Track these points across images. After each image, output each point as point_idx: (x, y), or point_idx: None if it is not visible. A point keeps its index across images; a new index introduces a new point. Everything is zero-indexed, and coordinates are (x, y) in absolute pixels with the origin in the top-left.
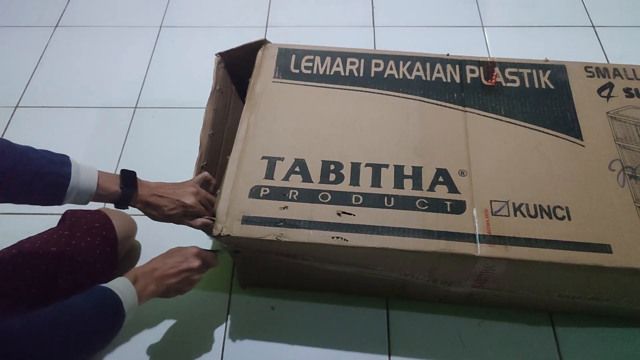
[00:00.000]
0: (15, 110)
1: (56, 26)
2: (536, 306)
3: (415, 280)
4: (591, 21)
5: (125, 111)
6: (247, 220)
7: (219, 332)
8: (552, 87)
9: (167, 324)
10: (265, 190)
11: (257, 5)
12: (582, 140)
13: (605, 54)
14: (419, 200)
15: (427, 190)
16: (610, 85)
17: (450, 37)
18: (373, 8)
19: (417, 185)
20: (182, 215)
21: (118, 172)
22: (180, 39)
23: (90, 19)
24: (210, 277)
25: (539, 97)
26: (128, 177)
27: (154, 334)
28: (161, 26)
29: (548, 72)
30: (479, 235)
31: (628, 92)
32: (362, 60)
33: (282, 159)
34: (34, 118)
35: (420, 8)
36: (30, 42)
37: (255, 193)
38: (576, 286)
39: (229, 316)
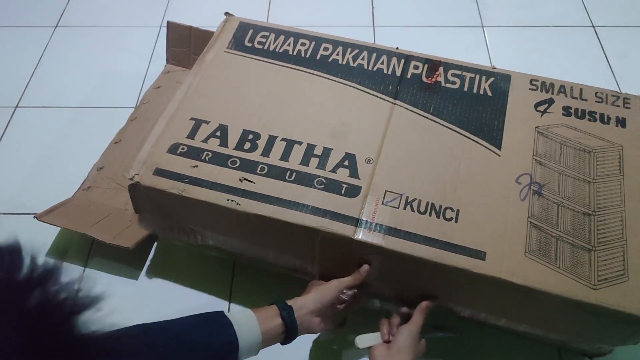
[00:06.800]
0: (15, 110)
1: (56, 26)
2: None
3: (303, 277)
4: (591, 21)
5: (125, 111)
6: (159, 172)
7: None
8: (490, 94)
9: None
10: (183, 148)
11: (257, 5)
12: (499, 149)
13: (605, 54)
14: (317, 179)
15: (329, 171)
16: (550, 101)
17: (450, 37)
18: (373, 8)
19: (322, 165)
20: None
21: None
22: None
23: (90, 19)
24: (209, 281)
25: (472, 102)
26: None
27: None
28: (161, 26)
29: (491, 79)
30: (362, 220)
31: (567, 110)
32: (313, 43)
33: (207, 122)
34: (34, 118)
35: (420, 8)
36: (30, 42)
37: (173, 149)
38: (453, 292)
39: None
